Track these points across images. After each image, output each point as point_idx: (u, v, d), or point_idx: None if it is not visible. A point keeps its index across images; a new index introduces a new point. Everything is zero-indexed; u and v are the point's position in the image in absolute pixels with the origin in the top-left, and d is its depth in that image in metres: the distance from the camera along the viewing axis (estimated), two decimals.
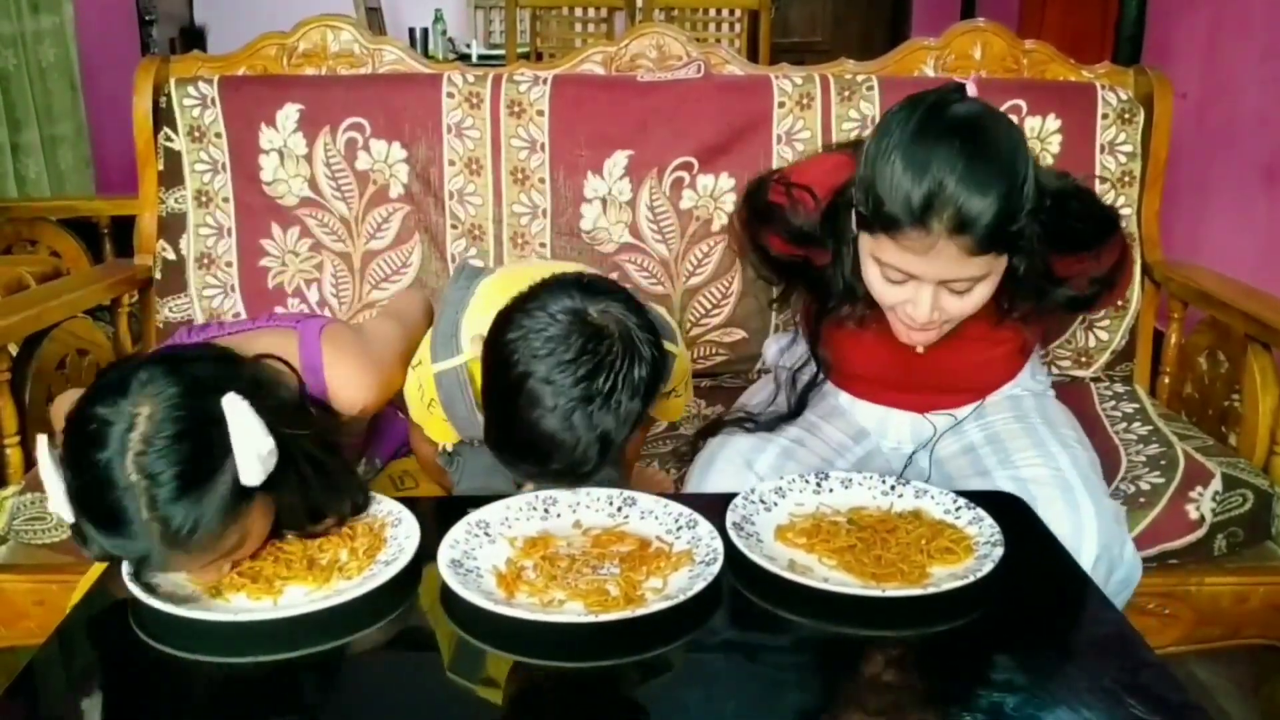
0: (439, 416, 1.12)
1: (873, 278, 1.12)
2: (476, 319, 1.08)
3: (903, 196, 1.01)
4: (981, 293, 1.10)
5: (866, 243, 1.10)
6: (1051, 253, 1.15)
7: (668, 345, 1.12)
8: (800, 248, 1.23)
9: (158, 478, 0.85)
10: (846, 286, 1.18)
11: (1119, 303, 1.68)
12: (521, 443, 0.98)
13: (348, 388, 1.10)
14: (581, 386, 0.94)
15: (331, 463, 1.01)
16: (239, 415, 0.89)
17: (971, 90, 1.07)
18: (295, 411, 0.98)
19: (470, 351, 1.07)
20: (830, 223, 1.18)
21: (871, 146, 1.07)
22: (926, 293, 1.08)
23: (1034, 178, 1.06)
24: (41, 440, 0.90)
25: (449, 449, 1.24)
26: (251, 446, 0.89)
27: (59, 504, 0.89)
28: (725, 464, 1.24)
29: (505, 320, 0.98)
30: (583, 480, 1.01)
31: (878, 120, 1.11)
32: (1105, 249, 1.22)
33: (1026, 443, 1.26)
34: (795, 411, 1.32)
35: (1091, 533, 1.14)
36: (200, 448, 0.88)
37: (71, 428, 0.89)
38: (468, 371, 1.08)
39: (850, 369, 1.33)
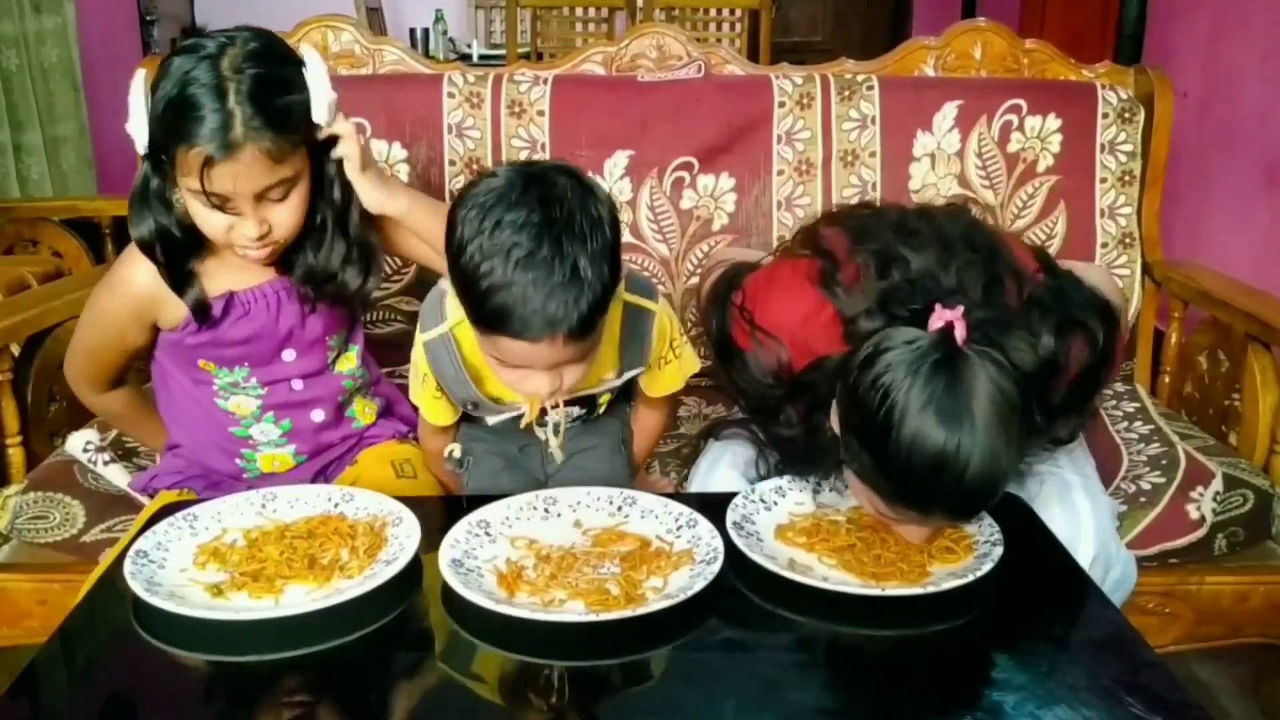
0: (432, 393, 1.15)
1: (865, 505, 1.02)
2: (454, 302, 1.08)
3: (900, 488, 0.93)
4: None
5: (856, 481, 0.99)
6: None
7: (645, 301, 1.14)
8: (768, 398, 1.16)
9: (244, 73, 1.02)
10: (822, 458, 1.09)
11: (1120, 294, 1.67)
12: (499, 302, 0.94)
13: (376, 192, 1.18)
14: (539, 213, 0.93)
15: (359, 226, 1.17)
16: (315, 63, 1.08)
17: (960, 334, 0.93)
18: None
19: (454, 318, 1.09)
20: (799, 400, 1.10)
21: (862, 405, 0.93)
22: (925, 532, 1.00)
23: (1027, 409, 0.95)
24: (139, 74, 1.06)
25: (457, 454, 1.24)
26: (324, 90, 1.08)
27: (138, 127, 1.05)
28: (730, 469, 1.23)
29: (456, 205, 0.99)
30: (580, 327, 0.95)
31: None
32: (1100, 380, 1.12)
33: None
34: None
35: (1089, 533, 1.14)
36: (282, 66, 1.07)
37: (171, 52, 1.06)
38: (453, 336, 1.10)
39: None
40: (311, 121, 1.08)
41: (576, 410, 1.20)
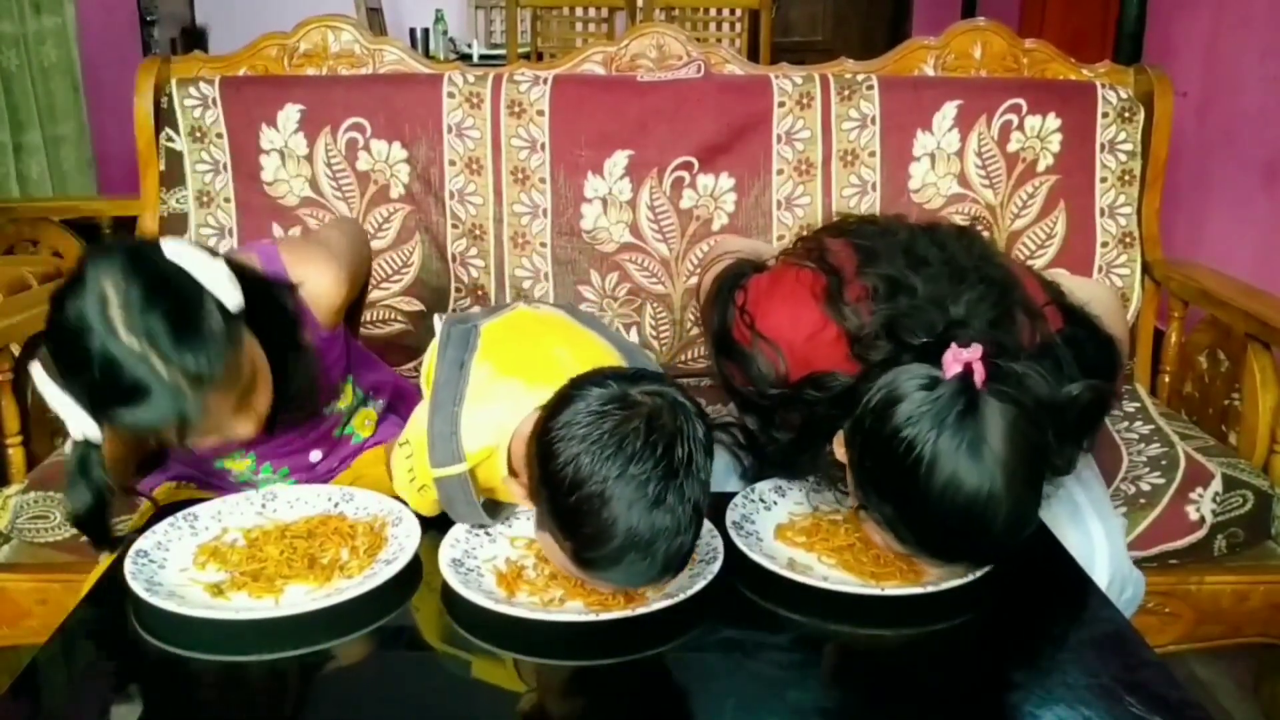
0: (430, 499, 1.06)
1: (877, 539, 0.98)
2: (476, 412, 1.02)
3: (925, 543, 0.91)
4: None
5: (879, 531, 0.95)
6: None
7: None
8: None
9: (154, 333, 0.88)
10: (814, 468, 1.08)
11: (1121, 293, 1.67)
12: (618, 549, 0.85)
13: (319, 280, 1.11)
14: (663, 466, 0.86)
15: (297, 351, 1.05)
16: (189, 253, 0.94)
17: (979, 378, 0.90)
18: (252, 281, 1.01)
19: (472, 456, 1.01)
20: (796, 411, 1.08)
21: (881, 453, 0.90)
22: (942, 571, 0.97)
23: (1046, 450, 0.93)
24: (34, 366, 0.93)
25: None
26: (216, 274, 0.94)
27: (75, 419, 0.92)
28: (725, 472, 1.23)
29: (549, 445, 0.88)
30: (682, 567, 0.91)
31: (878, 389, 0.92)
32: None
33: None
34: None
35: (1104, 557, 1.12)
36: (174, 294, 0.91)
37: (52, 337, 0.92)
38: (470, 475, 1.02)
39: None
40: (227, 311, 0.95)
41: None
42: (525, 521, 1.04)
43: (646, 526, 0.84)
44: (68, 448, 1.37)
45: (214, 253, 0.97)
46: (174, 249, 0.94)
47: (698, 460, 0.87)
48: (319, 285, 1.11)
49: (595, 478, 0.85)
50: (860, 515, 0.97)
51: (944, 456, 0.86)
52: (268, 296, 1.02)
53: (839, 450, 0.99)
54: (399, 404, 1.34)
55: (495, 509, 1.05)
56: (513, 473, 1.01)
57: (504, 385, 1.02)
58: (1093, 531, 1.13)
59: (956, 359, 0.90)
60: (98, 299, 0.88)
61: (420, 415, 1.05)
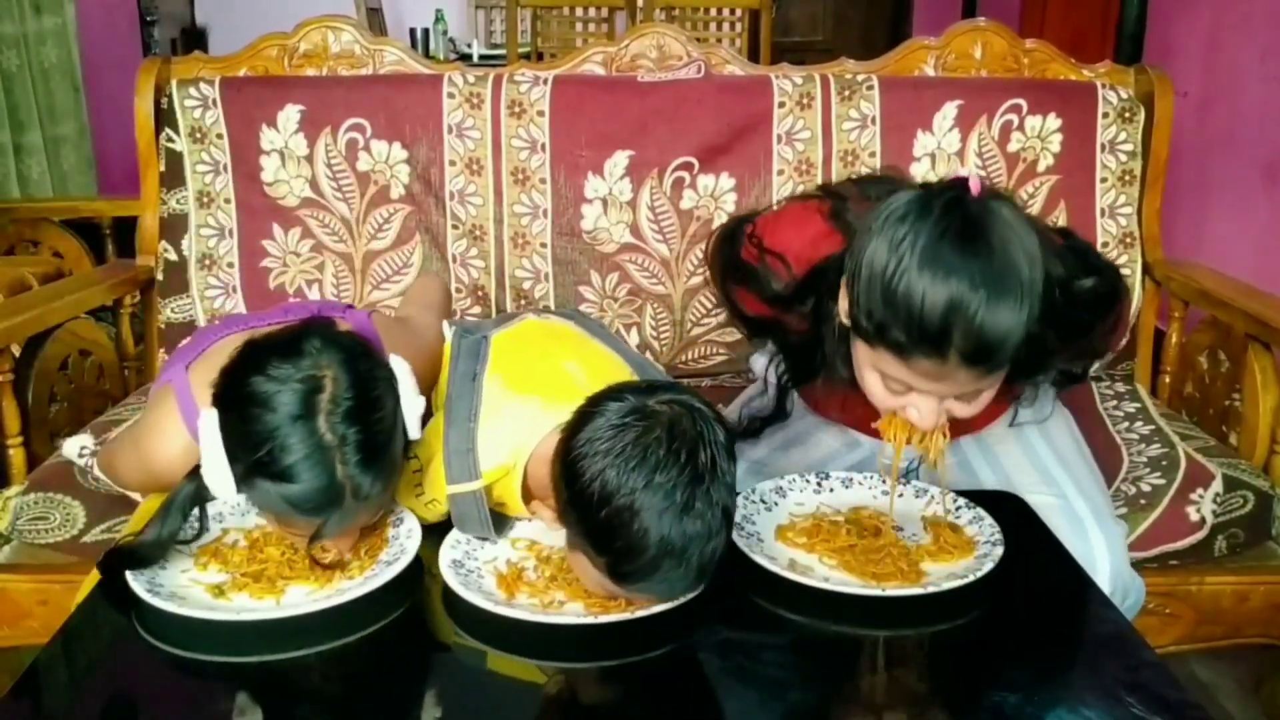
0: (438, 512, 1.06)
1: (871, 384, 1.01)
2: (491, 430, 1.02)
3: (915, 324, 0.91)
4: (989, 395, 1.00)
5: (865, 352, 0.99)
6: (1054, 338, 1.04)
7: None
8: (774, 310, 1.15)
9: (348, 441, 0.89)
10: (825, 362, 1.09)
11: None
12: (652, 560, 0.86)
13: (404, 377, 1.09)
14: (689, 472, 0.86)
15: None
16: (405, 375, 0.96)
17: (974, 187, 0.94)
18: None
19: (490, 475, 1.02)
20: (808, 297, 1.09)
21: (871, 253, 0.93)
22: (932, 403, 0.98)
23: (1048, 276, 0.95)
24: (209, 415, 0.91)
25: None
26: (416, 405, 0.96)
27: (219, 480, 0.91)
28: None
29: (573, 465, 0.89)
30: (714, 572, 0.91)
31: (876, 219, 0.95)
32: (1106, 320, 1.12)
33: (1024, 462, 1.22)
34: (779, 413, 1.27)
35: (1105, 569, 1.12)
36: (380, 408, 0.92)
37: (244, 396, 0.89)
38: (484, 490, 1.02)
39: (827, 412, 1.29)
40: (408, 439, 0.97)
41: None
42: (526, 523, 1.04)
43: (678, 534, 0.84)
44: (65, 449, 1.37)
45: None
46: (399, 364, 0.96)
47: (721, 464, 0.88)
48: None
49: (623, 490, 0.85)
50: (856, 356, 1.00)
51: (929, 233, 0.89)
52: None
53: (843, 306, 1.00)
54: None
55: (501, 522, 1.05)
56: (527, 496, 1.02)
57: (519, 403, 1.02)
58: (1094, 542, 1.13)
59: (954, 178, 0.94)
60: (311, 382, 0.89)
61: (430, 433, 1.04)
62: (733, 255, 1.19)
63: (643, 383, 0.97)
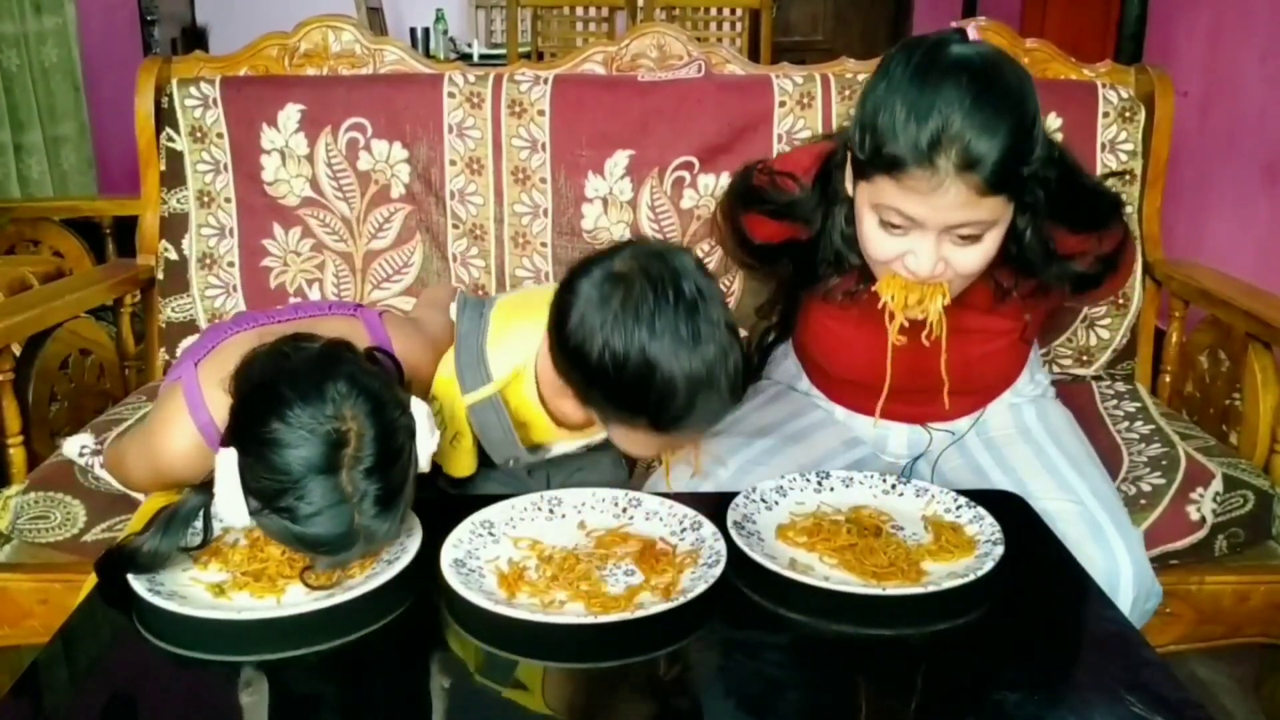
0: (465, 448, 1.10)
1: (870, 231, 1.06)
2: (499, 344, 1.07)
3: (908, 134, 0.96)
4: (988, 245, 1.04)
5: (864, 192, 1.05)
6: (1054, 224, 1.11)
7: None
8: (785, 223, 1.20)
9: (366, 494, 0.90)
10: (836, 256, 1.14)
11: (1121, 292, 1.67)
12: (687, 398, 0.91)
13: (416, 372, 1.11)
14: (682, 307, 0.91)
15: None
16: (423, 420, 0.95)
17: (973, 35, 1.03)
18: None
19: (501, 378, 1.06)
20: (820, 188, 1.15)
21: (869, 88, 1.03)
22: (929, 241, 1.02)
23: (1043, 125, 1.03)
24: (229, 454, 0.91)
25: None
26: (429, 446, 0.96)
27: (233, 513, 0.92)
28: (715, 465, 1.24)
29: (576, 350, 0.93)
30: (746, 384, 0.97)
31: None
32: (1108, 231, 1.18)
33: (1037, 466, 1.22)
34: (755, 369, 1.36)
35: (1128, 576, 1.12)
36: (400, 458, 0.93)
37: (266, 439, 0.89)
38: (501, 397, 1.06)
39: (839, 369, 1.30)
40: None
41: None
42: (529, 522, 1.04)
43: (700, 365, 0.90)
44: (65, 448, 1.37)
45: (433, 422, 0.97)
46: (419, 408, 0.96)
47: (704, 287, 0.93)
48: (417, 378, 1.10)
49: (633, 351, 0.90)
50: (858, 213, 1.06)
51: (899, 69, 1.00)
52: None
53: (848, 175, 1.07)
54: None
55: (534, 453, 1.10)
56: (545, 403, 1.07)
57: (523, 323, 1.08)
58: (1115, 548, 1.13)
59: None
60: (335, 436, 0.89)
61: (445, 367, 1.10)
62: (744, 185, 1.26)
63: (593, 253, 1.01)
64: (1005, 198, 1.01)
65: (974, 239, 1.03)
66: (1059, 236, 1.13)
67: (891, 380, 1.18)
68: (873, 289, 1.12)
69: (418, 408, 0.96)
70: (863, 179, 1.04)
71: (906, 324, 1.11)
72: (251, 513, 0.92)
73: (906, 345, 1.14)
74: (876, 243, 1.06)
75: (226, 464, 0.91)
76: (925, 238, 1.02)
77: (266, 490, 0.90)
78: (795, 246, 1.21)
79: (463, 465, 1.12)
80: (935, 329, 1.10)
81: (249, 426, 0.91)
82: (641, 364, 0.89)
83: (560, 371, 0.96)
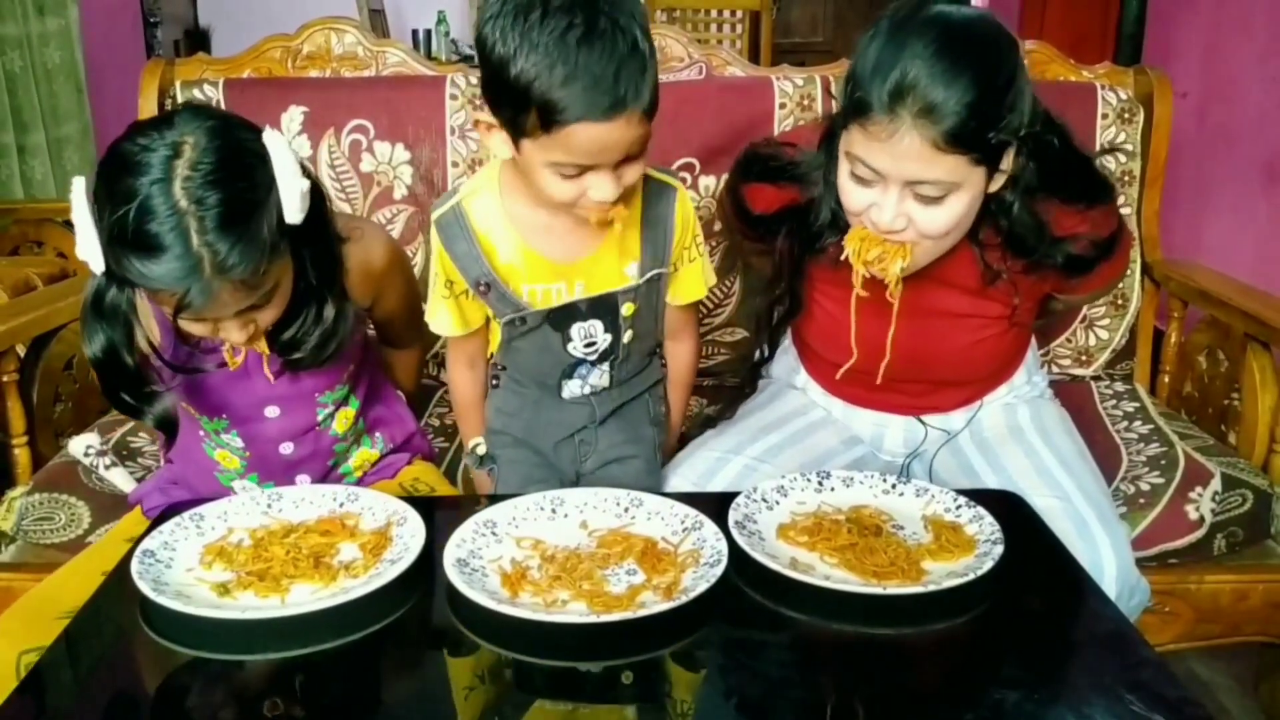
0: (442, 292, 1.15)
1: (843, 181, 1.10)
2: (468, 181, 1.15)
3: (875, 81, 1.01)
4: (953, 208, 1.05)
5: (843, 142, 1.09)
6: (1045, 197, 1.12)
7: (666, 177, 1.18)
8: (785, 185, 1.22)
9: (206, 203, 0.87)
10: (833, 216, 1.17)
11: (1119, 292, 1.68)
12: (571, 87, 0.92)
13: (370, 243, 1.14)
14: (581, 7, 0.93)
15: (333, 288, 1.03)
16: (281, 151, 0.92)
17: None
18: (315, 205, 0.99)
19: (465, 189, 1.13)
20: (826, 148, 1.17)
21: (859, 42, 1.08)
22: (892, 195, 1.05)
23: (1028, 95, 1.04)
24: (78, 181, 0.91)
25: (481, 450, 1.25)
26: (292, 186, 0.92)
27: (89, 248, 0.90)
28: (699, 462, 1.25)
29: (481, 48, 0.96)
30: (654, 99, 0.98)
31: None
32: (1100, 211, 1.18)
33: (1028, 466, 1.23)
34: (766, 357, 1.36)
35: (1111, 570, 1.12)
36: (245, 178, 0.90)
37: (110, 160, 0.89)
38: (462, 209, 1.12)
39: (833, 354, 1.29)
40: (284, 221, 0.94)
41: (602, 334, 1.18)
42: (532, 522, 1.04)
43: (586, 56, 0.91)
44: (70, 448, 1.38)
45: (307, 170, 0.96)
46: (272, 141, 0.93)
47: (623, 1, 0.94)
48: (368, 249, 1.13)
49: (509, 37, 0.92)
50: (840, 177, 1.10)
51: (886, 21, 1.06)
52: (325, 230, 1.02)
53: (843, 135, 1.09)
54: (411, 439, 1.32)
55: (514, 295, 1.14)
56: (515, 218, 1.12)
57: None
58: (1099, 543, 1.13)
59: None
60: (171, 146, 0.88)
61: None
62: (748, 157, 1.29)
63: None
64: (969, 159, 1.02)
65: (936, 200, 1.05)
66: (1048, 212, 1.14)
67: (890, 359, 1.22)
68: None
69: (274, 138, 0.93)
70: (844, 129, 1.08)
71: (867, 275, 1.14)
72: (104, 250, 0.90)
73: (904, 330, 1.19)
74: (847, 193, 1.10)
75: (78, 192, 0.90)
76: (888, 191, 1.05)
77: (107, 208, 0.88)
78: (794, 213, 1.22)
79: (455, 319, 1.17)
80: (893, 290, 1.13)
81: (104, 158, 0.91)
82: (528, 50, 0.92)
83: (491, 109, 1.00)
